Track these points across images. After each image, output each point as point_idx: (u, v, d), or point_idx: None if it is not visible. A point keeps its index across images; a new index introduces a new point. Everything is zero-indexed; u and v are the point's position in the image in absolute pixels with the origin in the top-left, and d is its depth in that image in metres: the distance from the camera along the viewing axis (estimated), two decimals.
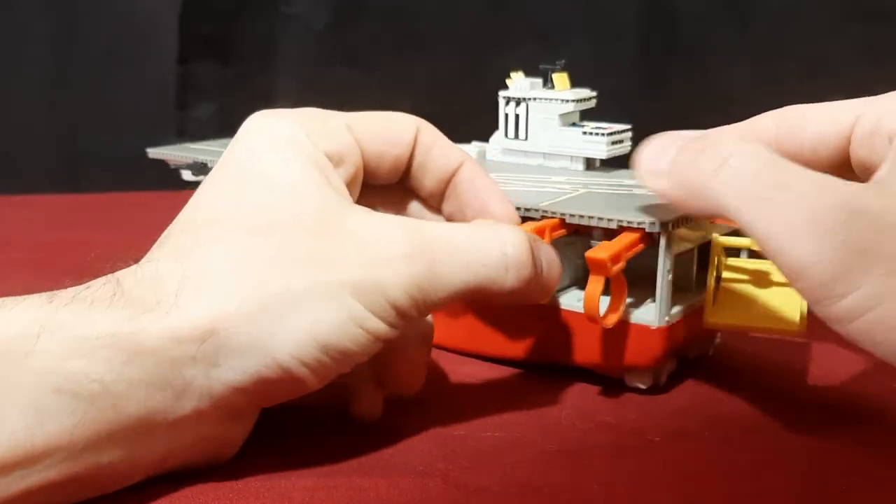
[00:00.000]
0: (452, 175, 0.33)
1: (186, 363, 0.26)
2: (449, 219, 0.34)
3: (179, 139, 0.77)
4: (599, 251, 0.32)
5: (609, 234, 0.34)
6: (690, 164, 0.29)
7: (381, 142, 0.32)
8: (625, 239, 0.33)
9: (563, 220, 0.34)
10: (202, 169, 0.48)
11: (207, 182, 0.31)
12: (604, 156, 0.41)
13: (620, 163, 0.42)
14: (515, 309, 0.36)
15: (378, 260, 0.28)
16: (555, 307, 0.36)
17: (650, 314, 0.34)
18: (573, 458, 0.30)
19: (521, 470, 0.29)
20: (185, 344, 0.26)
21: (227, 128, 0.56)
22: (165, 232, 0.30)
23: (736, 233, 0.35)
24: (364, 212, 0.29)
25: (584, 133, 0.41)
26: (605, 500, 0.28)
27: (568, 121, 0.42)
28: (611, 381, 0.36)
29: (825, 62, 0.71)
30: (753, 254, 0.35)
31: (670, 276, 0.34)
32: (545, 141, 0.42)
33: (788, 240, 0.25)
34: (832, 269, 0.25)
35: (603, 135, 0.41)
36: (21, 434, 0.24)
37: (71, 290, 0.27)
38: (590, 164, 0.42)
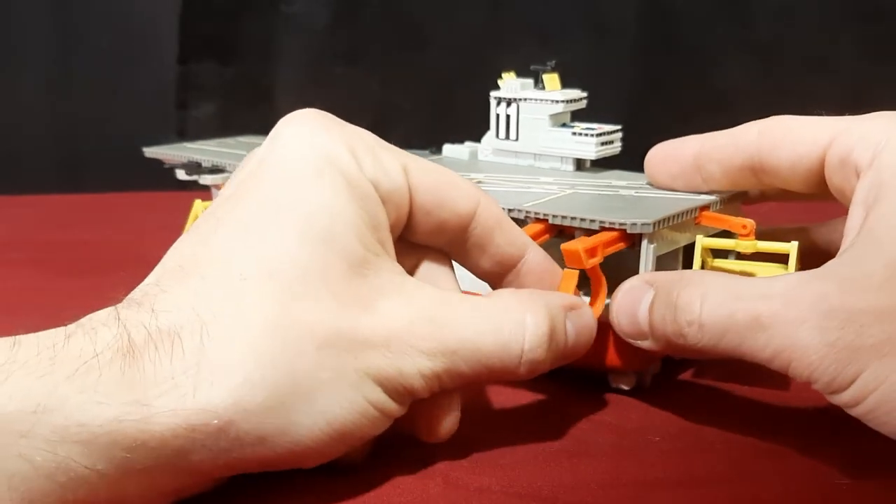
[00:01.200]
0: (517, 263, 0.32)
1: (196, 451, 0.24)
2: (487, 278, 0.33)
3: (179, 139, 0.77)
4: (575, 243, 0.32)
5: (591, 235, 0.34)
6: (668, 329, 0.30)
7: (434, 199, 0.30)
8: (604, 236, 0.33)
9: (546, 221, 0.34)
10: (196, 168, 0.47)
11: (231, 202, 0.28)
12: (593, 156, 0.41)
13: (610, 163, 0.42)
14: None
15: (404, 347, 0.27)
16: None
17: None
18: (574, 458, 0.30)
19: (521, 470, 0.29)
20: (198, 434, 0.24)
21: (227, 127, 0.57)
22: (183, 248, 0.28)
23: (723, 234, 0.35)
24: (396, 280, 0.28)
25: (574, 134, 0.41)
26: (605, 501, 0.28)
27: (558, 121, 0.42)
28: (609, 381, 0.36)
29: (825, 62, 0.71)
30: (740, 255, 0.35)
31: None
32: (535, 141, 0.42)
33: (787, 360, 0.27)
34: (833, 369, 0.27)
35: (592, 135, 0.41)
36: None
37: (76, 347, 0.24)
38: (580, 164, 0.42)
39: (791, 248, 0.33)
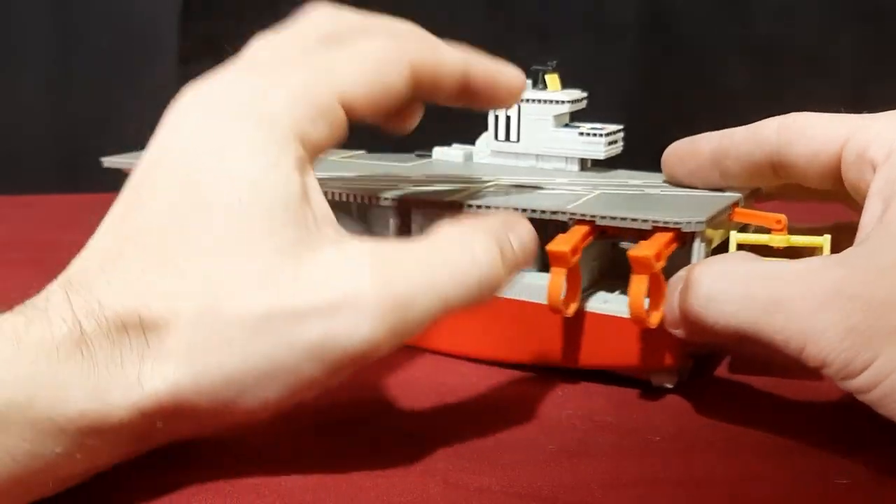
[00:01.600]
0: (460, 85, 0.32)
1: (153, 430, 0.26)
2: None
3: None
4: (643, 249, 0.31)
5: (640, 234, 0.33)
6: (686, 311, 0.30)
7: (374, 105, 0.29)
8: (662, 238, 0.33)
9: (593, 224, 0.34)
10: None
11: (156, 175, 0.28)
12: (602, 156, 0.41)
13: (609, 163, 0.42)
14: (533, 315, 0.35)
15: (350, 317, 0.26)
16: (577, 312, 0.35)
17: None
18: (574, 458, 0.30)
19: (521, 470, 0.29)
20: (150, 418, 0.26)
21: None
22: (118, 223, 0.28)
23: (757, 230, 0.35)
24: (333, 245, 0.27)
25: (581, 134, 0.41)
26: (605, 501, 0.28)
27: (560, 122, 0.42)
28: (610, 382, 0.36)
29: (825, 62, 0.71)
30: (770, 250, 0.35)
31: None
32: (538, 143, 0.42)
33: (802, 342, 0.27)
34: (847, 355, 0.27)
35: (601, 135, 0.41)
36: None
37: (37, 335, 0.25)
38: (583, 165, 0.42)
39: (824, 241, 0.33)
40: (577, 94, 0.42)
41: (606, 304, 0.35)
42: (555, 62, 0.42)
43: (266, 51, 0.31)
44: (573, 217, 0.34)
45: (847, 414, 0.34)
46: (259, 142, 0.27)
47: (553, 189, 0.38)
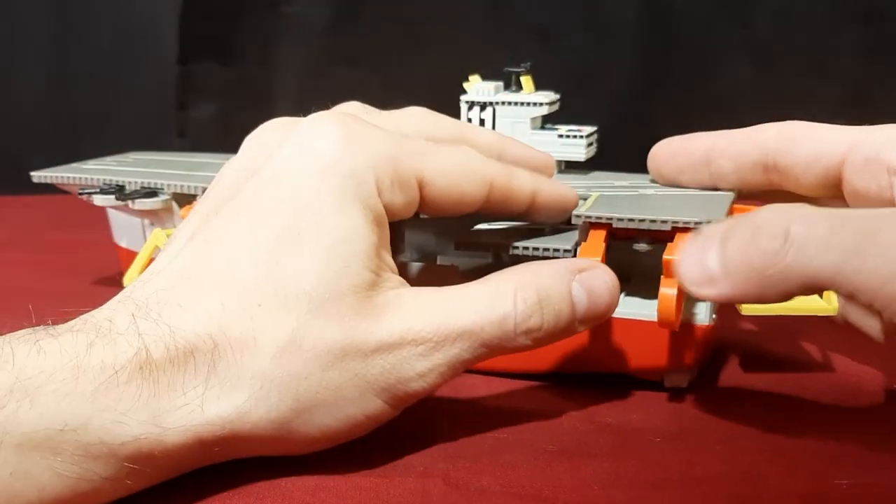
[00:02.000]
0: (528, 208, 0.34)
1: (202, 456, 0.27)
2: None
3: (180, 139, 0.77)
4: (674, 252, 0.31)
5: (656, 236, 0.33)
6: (749, 255, 0.27)
7: (447, 201, 0.31)
8: (685, 238, 0.32)
9: (609, 227, 0.33)
10: (120, 192, 0.43)
11: (242, 211, 0.29)
12: (582, 158, 0.41)
13: (581, 164, 0.41)
14: None
15: (401, 354, 0.28)
16: None
17: (701, 313, 0.34)
18: (574, 459, 0.30)
19: (521, 471, 0.29)
20: (205, 445, 0.27)
21: (227, 128, 0.57)
22: (191, 252, 0.29)
23: None
24: (394, 293, 0.29)
25: (560, 136, 0.40)
26: (605, 501, 0.28)
27: (536, 125, 0.41)
28: (610, 383, 0.36)
29: (825, 62, 0.71)
30: None
31: None
32: None
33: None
34: None
35: (581, 137, 0.40)
36: None
37: (97, 358, 0.25)
38: (558, 167, 0.42)
39: None
40: (552, 95, 0.42)
41: (625, 307, 0.34)
42: (528, 64, 0.42)
43: (367, 115, 0.33)
44: (588, 220, 0.34)
45: (847, 414, 0.34)
46: (348, 200, 0.29)
47: None
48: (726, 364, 0.38)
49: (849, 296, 0.26)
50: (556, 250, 0.34)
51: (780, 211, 0.27)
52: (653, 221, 0.33)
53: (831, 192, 0.33)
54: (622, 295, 0.35)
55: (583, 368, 0.36)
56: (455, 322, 0.29)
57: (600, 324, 0.32)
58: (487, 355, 0.30)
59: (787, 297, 0.27)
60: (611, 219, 0.33)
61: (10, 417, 0.24)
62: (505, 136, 0.38)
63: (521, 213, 0.34)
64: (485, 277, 0.31)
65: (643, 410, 0.34)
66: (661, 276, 0.32)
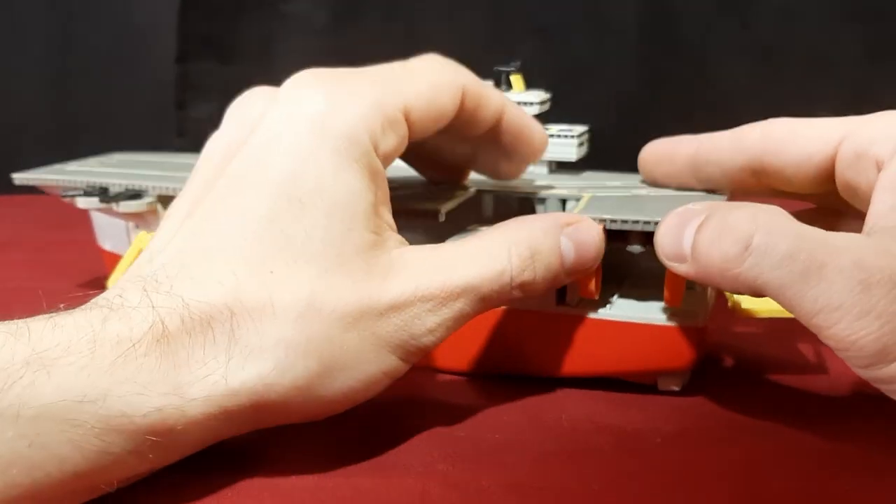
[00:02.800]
0: (493, 125, 0.34)
1: (226, 427, 0.27)
2: (484, 156, 0.36)
3: (179, 139, 0.77)
4: None
5: (650, 238, 0.33)
6: (712, 249, 0.29)
7: (429, 121, 0.32)
8: None
9: (603, 227, 0.33)
10: (104, 193, 0.42)
11: (238, 181, 0.29)
12: (574, 158, 0.41)
13: (572, 165, 0.41)
14: (535, 325, 0.35)
15: (412, 312, 0.29)
16: (582, 319, 0.35)
17: (694, 316, 0.34)
18: (574, 459, 0.30)
19: (521, 471, 0.29)
20: (230, 414, 0.27)
21: None
22: (196, 225, 0.29)
23: None
24: (396, 252, 0.30)
25: (552, 136, 0.40)
26: (605, 501, 0.28)
27: None
28: (610, 384, 0.36)
29: (825, 62, 0.71)
30: None
31: None
32: None
33: (834, 319, 0.26)
34: (881, 342, 0.26)
35: (572, 137, 0.40)
36: None
37: (113, 332, 0.25)
38: (549, 167, 0.42)
39: None
40: (542, 95, 0.42)
41: (619, 310, 0.35)
42: (518, 63, 0.42)
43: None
44: None
45: (847, 414, 0.34)
46: (344, 161, 0.29)
47: (538, 193, 0.38)
48: (725, 365, 0.38)
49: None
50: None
51: (750, 216, 0.28)
52: (646, 223, 0.33)
53: (825, 188, 0.33)
54: (615, 297, 0.35)
55: (577, 373, 0.36)
56: (458, 279, 0.30)
57: (586, 275, 0.33)
58: (485, 308, 0.31)
59: (741, 293, 0.29)
60: (604, 220, 0.33)
61: (28, 389, 0.23)
62: None
63: (489, 132, 0.34)
64: (478, 234, 0.32)
65: (643, 410, 0.34)
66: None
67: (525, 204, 0.39)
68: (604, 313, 0.35)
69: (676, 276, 0.32)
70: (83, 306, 0.26)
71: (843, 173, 0.32)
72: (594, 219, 0.33)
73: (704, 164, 0.36)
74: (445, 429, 0.32)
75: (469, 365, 0.37)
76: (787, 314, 0.31)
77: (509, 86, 0.41)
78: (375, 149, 0.30)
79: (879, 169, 0.30)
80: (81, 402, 0.24)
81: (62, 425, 0.24)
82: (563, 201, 0.38)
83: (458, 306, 0.30)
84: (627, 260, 0.35)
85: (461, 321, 0.30)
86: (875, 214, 0.29)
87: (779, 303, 0.28)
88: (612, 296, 0.36)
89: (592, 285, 0.33)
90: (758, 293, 0.28)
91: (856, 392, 0.36)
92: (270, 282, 0.27)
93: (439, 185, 0.39)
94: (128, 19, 0.78)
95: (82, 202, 0.43)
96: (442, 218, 0.35)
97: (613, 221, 0.33)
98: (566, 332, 0.35)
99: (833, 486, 0.28)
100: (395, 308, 0.29)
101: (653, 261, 0.32)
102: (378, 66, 0.32)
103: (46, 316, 0.25)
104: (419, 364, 0.36)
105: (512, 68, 0.42)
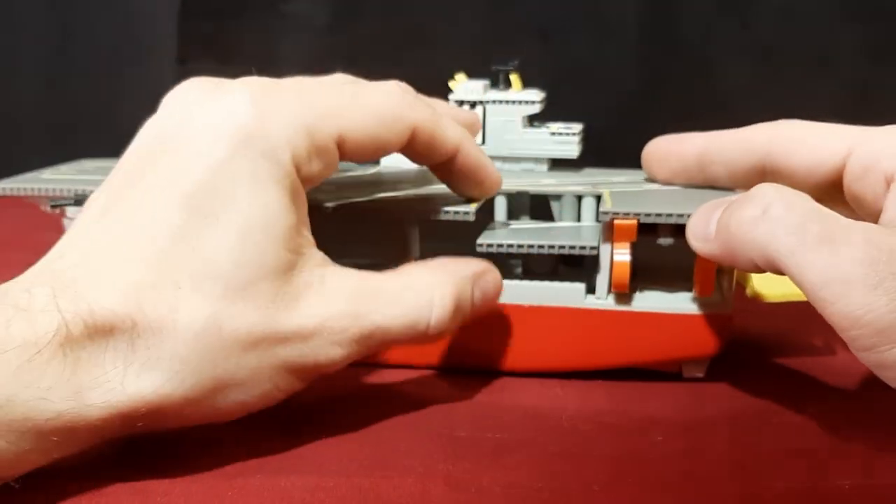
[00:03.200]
0: (450, 159, 0.34)
1: (124, 429, 0.27)
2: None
3: None
4: None
5: (677, 230, 0.33)
6: (733, 215, 0.29)
7: (366, 151, 0.32)
8: None
9: (637, 221, 0.34)
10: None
11: (149, 183, 0.29)
12: (575, 155, 0.41)
13: (569, 163, 0.42)
14: (564, 320, 0.36)
15: (320, 342, 0.29)
16: (613, 313, 0.36)
17: (720, 303, 0.35)
18: (575, 459, 0.30)
19: (522, 471, 0.29)
20: (126, 419, 0.27)
21: None
22: (106, 226, 0.28)
23: None
24: (316, 274, 0.30)
25: (553, 134, 0.41)
26: (605, 501, 0.28)
27: (525, 123, 0.41)
28: (610, 382, 0.36)
29: (825, 62, 0.71)
30: None
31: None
32: (507, 144, 0.41)
33: (840, 292, 0.26)
34: (886, 320, 0.26)
35: (573, 134, 0.41)
36: None
37: (19, 335, 0.25)
38: (548, 165, 0.42)
39: None
40: (540, 93, 0.42)
41: (648, 302, 0.35)
42: (516, 61, 0.42)
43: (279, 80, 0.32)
44: (615, 215, 0.34)
45: (848, 413, 0.34)
46: (263, 181, 0.29)
47: (553, 189, 0.38)
48: (727, 365, 0.38)
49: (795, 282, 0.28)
50: (583, 248, 0.34)
51: (773, 189, 0.29)
52: (680, 216, 0.33)
53: (833, 197, 0.33)
54: (637, 290, 0.36)
55: (605, 365, 0.36)
56: (373, 319, 0.30)
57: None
58: (393, 347, 0.32)
59: (751, 266, 0.29)
60: (638, 214, 0.34)
61: None
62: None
63: (442, 167, 0.34)
64: (405, 269, 0.32)
65: (643, 410, 0.34)
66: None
67: (539, 201, 0.39)
68: (635, 305, 0.35)
69: (707, 268, 0.33)
70: None
71: (851, 185, 0.32)
72: (628, 213, 0.34)
73: (710, 162, 0.36)
74: (446, 429, 0.32)
75: (492, 363, 0.37)
76: (802, 297, 0.32)
77: (508, 85, 0.42)
78: (298, 171, 0.30)
79: (889, 182, 0.31)
80: None
81: None
82: (580, 198, 0.38)
83: (367, 343, 0.30)
84: (652, 252, 0.35)
85: (368, 354, 0.31)
86: (888, 220, 0.30)
87: (787, 273, 0.28)
88: (634, 290, 0.36)
89: (625, 278, 0.34)
90: (769, 262, 0.28)
91: (858, 391, 0.36)
92: (174, 297, 0.27)
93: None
94: (128, 19, 0.78)
95: (72, 211, 0.42)
96: (472, 218, 0.35)
97: (648, 215, 0.34)
98: (596, 325, 0.36)
99: (834, 486, 0.28)
100: (300, 336, 0.29)
101: (680, 252, 0.33)
102: (326, 85, 0.32)
103: None
104: (440, 364, 0.36)
105: (510, 67, 0.42)
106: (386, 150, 0.32)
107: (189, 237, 0.28)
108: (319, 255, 0.30)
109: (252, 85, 0.30)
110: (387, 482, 0.28)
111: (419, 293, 0.31)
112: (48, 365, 0.25)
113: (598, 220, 0.36)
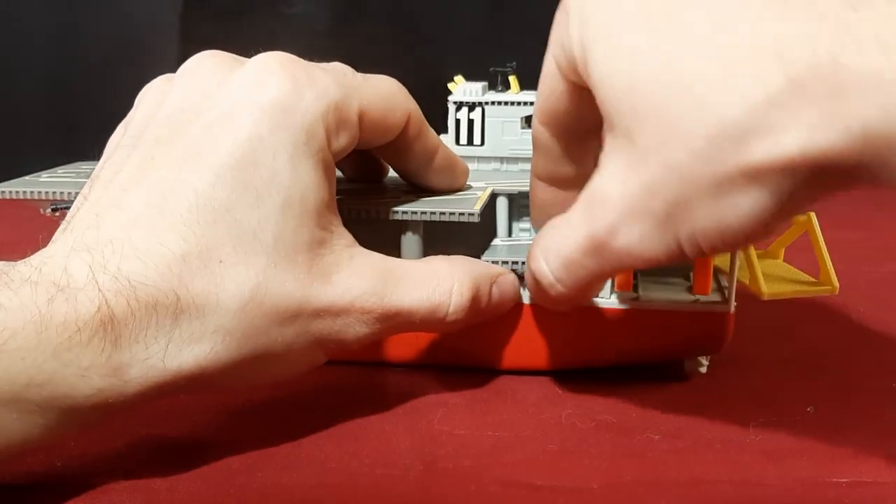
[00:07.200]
0: (427, 163, 0.36)
1: (159, 398, 0.27)
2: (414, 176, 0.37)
3: None
4: None
5: None
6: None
7: (377, 132, 0.32)
8: None
9: None
10: None
11: (190, 156, 0.28)
12: None
13: None
14: (569, 319, 0.35)
15: (349, 319, 0.30)
16: (617, 311, 0.36)
17: (725, 300, 0.35)
18: (574, 457, 0.30)
19: (521, 470, 0.29)
20: (163, 391, 0.27)
21: None
22: (142, 195, 0.28)
23: None
24: (346, 253, 0.30)
25: None
26: (605, 501, 0.28)
27: (524, 124, 0.41)
28: (610, 381, 0.36)
29: None
30: None
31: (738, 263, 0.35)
32: (506, 145, 0.41)
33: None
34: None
35: None
36: None
37: (60, 314, 0.25)
38: None
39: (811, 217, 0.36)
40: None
41: (653, 300, 0.35)
42: (514, 63, 0.42)
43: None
44: None
45: (847, 413, 0.34)
46: (301, 155, 0.29)
47: None
48: (726, 364, 0.38)
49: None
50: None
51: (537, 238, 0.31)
52: None
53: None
54: (640, 289, 0.36)
55: (609, 362, 0.36)
56: (398, 300, 0.31)
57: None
58: (414, 331, 0.33)
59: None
60: None
61: None
62: None
63: (425, 159, 0.35)
64: (427, 259, 0.33)
65: (643, 409, 0.34)
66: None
67: None
68: (638, 304, 0.36)
69: (705, 267, 0.34)
70: (27, 277, 0.26)
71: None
72: None
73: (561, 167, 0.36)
74: (446, 427, 0.32)
75: (493, 361, 0.37)
76: (803, 294, 0.35)
77: (506, 86, 0.42)
78: (329, 145, 0.30)
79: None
80: (28, 385, 0.24)
81: (10, 408, 0.24)
82: None
83: (391, 324, 0.31)
84: None
85: (389, 335, 0.32)
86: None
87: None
88: (636, 288, 0.36)
89: (629, 278, 0.35)
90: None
91: (857, 390, 0.36)
92: (218, 270, 0.27)
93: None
94: (130, 21, 0.78)
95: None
96: (477, 219, 0.35)
97: None
98: (600, 324, 0.36)
99: (833, 486, 0.28)
100: (332, 312, 0.29)
101: None
102: (341, 66, 0.32)
103: None
104: (441, 362, 0.37)
105: (508, 69, 0.42)
106: (390, 132, 0.33)
107: (233, 210, 0.28)
108: (348, 235, 0.31)
109: (282, 60, 0.30)
110: (387, 482, 0.29)
111: (442, 280, 0.32)
112: (89, 343, 0.25)
113: None
